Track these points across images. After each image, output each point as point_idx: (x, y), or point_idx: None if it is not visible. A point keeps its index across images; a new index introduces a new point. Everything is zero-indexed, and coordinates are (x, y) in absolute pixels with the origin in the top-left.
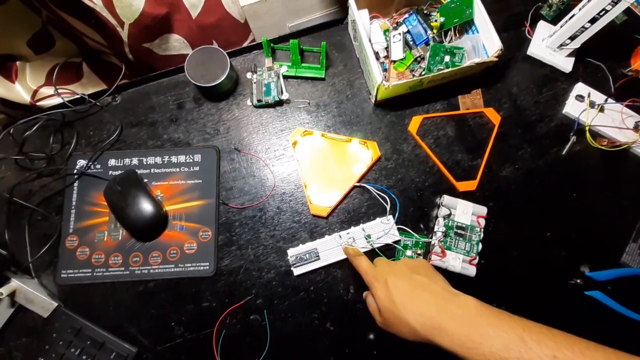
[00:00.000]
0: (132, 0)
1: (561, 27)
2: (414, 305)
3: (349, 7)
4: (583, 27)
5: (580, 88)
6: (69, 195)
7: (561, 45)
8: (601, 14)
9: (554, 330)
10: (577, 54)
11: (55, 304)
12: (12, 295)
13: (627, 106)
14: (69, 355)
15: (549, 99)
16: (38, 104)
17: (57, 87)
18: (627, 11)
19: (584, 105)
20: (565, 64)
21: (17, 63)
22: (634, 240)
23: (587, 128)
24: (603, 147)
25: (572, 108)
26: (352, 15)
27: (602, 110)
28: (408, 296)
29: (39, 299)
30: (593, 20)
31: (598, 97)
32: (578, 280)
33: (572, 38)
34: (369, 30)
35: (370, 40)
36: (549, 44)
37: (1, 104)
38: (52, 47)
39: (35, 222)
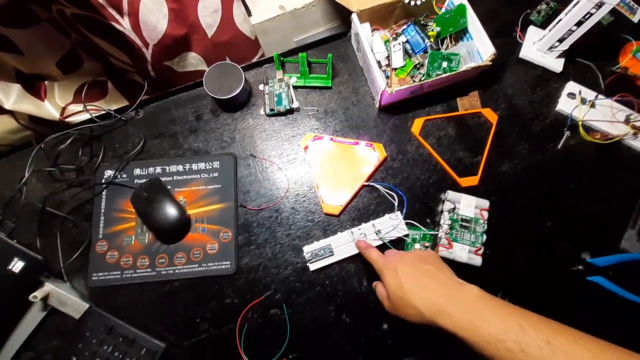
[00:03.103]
0: (157, 23)
1: (550, 30)
2: (422, 291)
3: (351, 21)
4: (570, 30)
5: (571, 86)
6: (97, 203)
7: (551, 47)
8: (586, 17)
9: (550, 320)
10: (567, 54)
11: (87, 305)
12: (45, 298)
13: (616, 101)
14: (102, 353)
15: (542, 97)
16: (66, 120)
17: (86, 104)
18: (614, 12)
19: (575, 102)
20: (556, 65)
21: (46, 82)
22: (632, 226)
23: (580, 123)
24: (597, 141)
25: (564, 105)
26: (355, 28)
27: (593, 106)
28: (416, 283)
29: (71, 301)
30: (579, 24)
31: (589, 94)
32: (580, 267)
33: (561, 40)
34: (370, 42)
35: (372, 50)
36: (539, 47)
37: (31, 121)
38: (80, 67)
39: (67, 230)
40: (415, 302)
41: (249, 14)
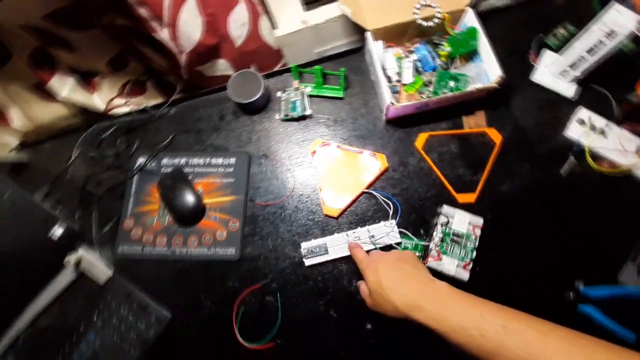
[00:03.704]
0: (191, 33)
1: (562, 55)
2: (399, 288)
3: (366, 38)
4: (582, 57)
5: (582, 112)
6: (129, 186)
7: (563, 72)
8: (598, 45)
9: (509, 308)
10: (581, 80)
11: (111, 272)
12: (77, 263)
13: (629, 131)
14: (118, 314)
15: (550, 121)
16: (111, 112)
17: (128, 99)
18: (636, 41)
19: (585, 129)
20: (568, 90)
21: (96, 78)
22: (632, 259)
23: (587, 149)
24: (603, 169)
25: (573, 131)
26: (368, 45)
27: (603, 134)
28: (394, 280)
29: (98, 268)
30: (591, 51)
31: (600, 121)
32: (572, 294)
33: (573, 66)
34: (382, 59)
35: (384, 67)
36: (552, 71)
37: (82, 111)
38: (126, 67)
39: (101, 206)
40: (392, 298)
41: (274, 27)
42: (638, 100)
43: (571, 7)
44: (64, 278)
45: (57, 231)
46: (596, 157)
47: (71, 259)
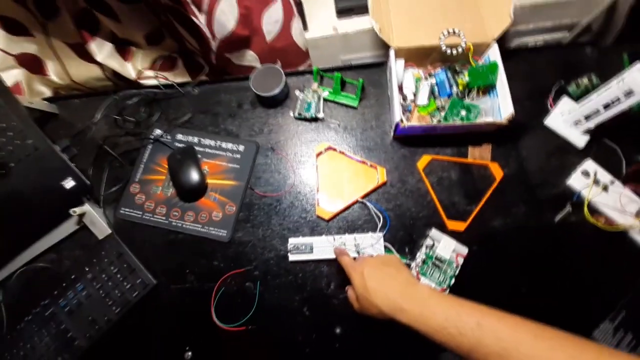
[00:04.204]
0: (227, 22)
1: (579, 105)
2: (383, 291)
3: (389, 54)
4: (597, 110)
5: (588, 164)
6: (142, 153)
7: (577, 122)
8: (614, 102)
9: (485, 307)
10: (594, 133)
11: (110, 231)
12: (81, 216)
13: (632, 191)
14: (108, 271)
15: (555, 168)
16: (140, 81)
17: (158, 72)
18: None
19: (588, 181)
20: (579, 140)
21: (132, 48)
22: (611, 320)
23: (586, 202)
24: (598, 224)
25: (576, 181)
26: (390, 61)
27: (606, 189)
28: (379, 283)
29: (100, 224)
30: (607, 106)
31: (605, 176)
32: None
33: (588, 118)
34: (401, 76)
35: (401, 85)
36: (566, 119)
37: (114, 75)
38: (161, 43)
39: (114, 167)
40: (377, 302)
41: (306, 28)
42: None
43: (601, 59)
44: (67, 228)
45: (69, 183)
46: (594, 211)
47: (77, 210)
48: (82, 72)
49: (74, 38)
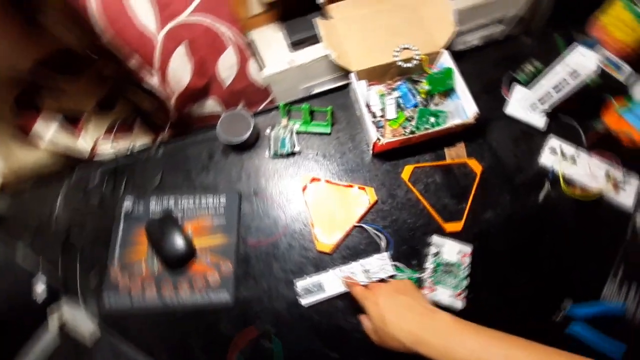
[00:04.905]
0: (182, 77)
1: (531, 90)
2: (401, 323)
3: (350, 78)
4: (548, 92)
5: (553, 142)
6: (115, 232)
7: (532, 105)
8: (562, 83)
9: (510, 336)
10: (551, 111)
11: (99, 332)
12: (62, 326)
13: (597, 157)
14: None
15: (525, 151)
16: (95, 155)
17: (113, 139)
18: (601, 75)
19: (557, 157)
20: (539, 122)
21: (82, 119)
22: (613, 276)
23: (560, 176)
24: (576, 195)
25: (547, 159)
26: (353, 85)
27: (574, 161)
28: (397, 317)
29: (84, 327)
30: (556, 88)
31: (570, 149)
32: (560, 315)
33: (541, 101)
34: (366, 96)
35: (368, 104)
36: (523, 105)
37: (64, 157)
38: (114, 107)
39: (86, 258)
40: (396, 334)
41: (262, 67)
42: (603, 129)
43: (538, 45)
44: (48, 344)
45: (39, 288)
46: (570, 183)
47: (54, 321)
48: (29, 159)
49: (14, 125)
